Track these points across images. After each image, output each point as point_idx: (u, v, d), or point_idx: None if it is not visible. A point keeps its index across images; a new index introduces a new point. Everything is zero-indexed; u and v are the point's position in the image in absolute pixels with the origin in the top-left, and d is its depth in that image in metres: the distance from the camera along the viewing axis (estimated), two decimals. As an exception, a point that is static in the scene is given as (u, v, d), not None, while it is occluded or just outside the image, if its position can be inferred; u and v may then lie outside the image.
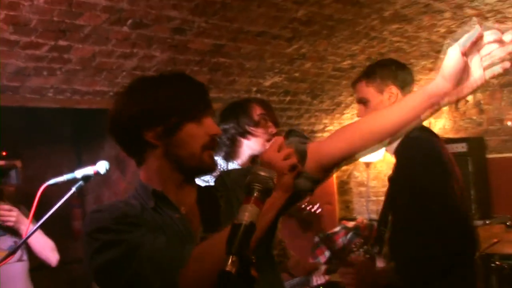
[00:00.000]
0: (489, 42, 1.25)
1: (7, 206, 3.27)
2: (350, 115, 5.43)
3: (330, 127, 5.47)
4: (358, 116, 2.47)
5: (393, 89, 2.39)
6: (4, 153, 3.56)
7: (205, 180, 1.98)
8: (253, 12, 3.39)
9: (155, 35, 3.33)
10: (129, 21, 3.14)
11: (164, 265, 1.36)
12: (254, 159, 2.49)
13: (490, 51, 1.25)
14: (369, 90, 2.43)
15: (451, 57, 1.27)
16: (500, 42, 1.25)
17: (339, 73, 4.65)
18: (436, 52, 4.93)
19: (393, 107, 1.55)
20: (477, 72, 1.29)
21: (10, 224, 3.28)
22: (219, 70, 3.92)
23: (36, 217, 2.74)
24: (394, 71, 2.44)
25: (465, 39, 1.25)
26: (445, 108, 5.95)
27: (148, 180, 1.54)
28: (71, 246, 4.84)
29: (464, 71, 1.30)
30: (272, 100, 4.42)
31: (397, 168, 2.23)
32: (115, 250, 1.37)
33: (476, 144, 5.19)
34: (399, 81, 2.41)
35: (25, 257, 3.72)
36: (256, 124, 2.47)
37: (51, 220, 2.45)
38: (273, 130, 2.49)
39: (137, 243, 1.37)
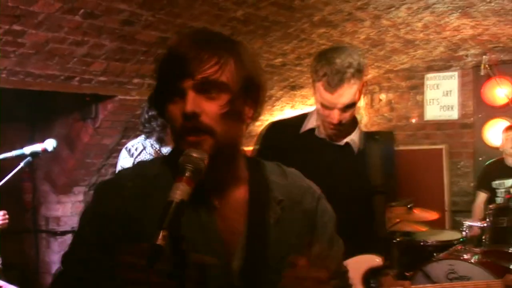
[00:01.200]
0: None
1: None
2: (279, 107, 5.46)
3: (262, 117, 5.48)
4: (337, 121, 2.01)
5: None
6: None
7: None
8: (196, 10, 3.33)
9: (105, 25, 3.21)
10: (81, 11, 3.02)
11: None
12: None
13: None
14: (356, 92, 1.98)
15: None
16: None
17: (271, 69, 4.66)
18: (356, 55, 5.01)
19: None
20: None
21: None
22: (164, 61, 3.84)
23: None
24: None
25: None
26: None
27: None
28: (22, 217, 4.68)
29: None
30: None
31: None
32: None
33: (387, 137, 5.32)
34: None
35: None
36: None
37: (3, 193, 2.35)
38: None
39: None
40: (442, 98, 5.74)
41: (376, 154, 2.11)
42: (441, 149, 5.62)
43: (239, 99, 1.15)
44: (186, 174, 1.02)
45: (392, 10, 4.05)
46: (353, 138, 2.11)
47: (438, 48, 5.35)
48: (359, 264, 1.96)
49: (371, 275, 2.01)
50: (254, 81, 1.18)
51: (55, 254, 4.65)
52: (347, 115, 2.00)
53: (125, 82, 3.85)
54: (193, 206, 1.06)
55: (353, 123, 2.12)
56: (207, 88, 1.12)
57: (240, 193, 1.21)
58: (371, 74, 5.79)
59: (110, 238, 1.13)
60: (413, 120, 5.85)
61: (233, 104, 1.13)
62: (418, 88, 5.84)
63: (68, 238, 4.59)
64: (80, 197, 4.69)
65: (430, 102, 5.80)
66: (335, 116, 1.98)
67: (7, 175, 2.83)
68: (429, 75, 5.77)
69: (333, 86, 1.93)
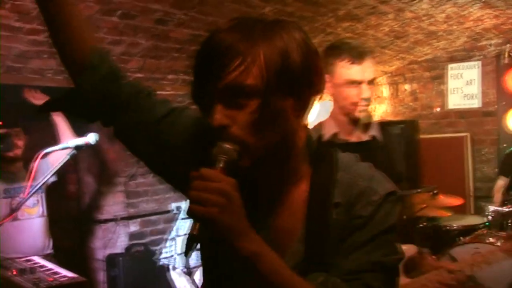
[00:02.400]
0: None
1: None
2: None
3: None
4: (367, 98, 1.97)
5: None
6: (0, 123, 3.47)
7: None
8: (226, 7, 3.32)
9: (141, 25, 3.24)
10: (118, 12, 3.05)
11: None
12: None
13: None
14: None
15: None
16: None
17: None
18: (381, 47, 4.94)
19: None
20: None
21: None
22: (196, 57, 3.86)
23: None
24: None
25: None
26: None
27: None
28: (67, 207, 4.79)
29: None
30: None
31: None
32: None
33: (411, 126, 5.24)
34: None
35: (45, 213, 3.69)
36: None
37: (51, 183, 2.39)
38: None
39: None
40: (465, 87, 5.62)
41: (397, 142, 2.07)
42: (464, 137, 5.51)
43: (275, 97, 0.99)
44: (220, 165, 0.99)
45: (415, 2, 3.97)
46: (376, 130, 2.08)
47: (460, 39, 5.23)
48: None
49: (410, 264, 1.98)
50: (294, 71, 1.00)
51: (98, 240, 4.74)
52: (372, 93, 1.98)
53: (160, 78, 3.88)
54: (245, 205, 0.97)
55: (370, 116, 2.10)
56: (232, 96, 0.99)
57: (299, 192, 1.09)
58: (395, 65, 5.70)
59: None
60: (437, 109, 5.75)
61: (266, 106, 0.99)
62: (441, 78, 5.73)
63: (111, 225, 4.67)
64: (121, 187, 4.76)
65: (453, 91, 5.68)
66: (364, 90, 1.94)
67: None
68: (452, 65, 5.65)
69: (359, 57, 1.91)
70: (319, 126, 2.10)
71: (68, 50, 1.17)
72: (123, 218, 4.74)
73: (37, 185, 2.60)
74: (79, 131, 3.53)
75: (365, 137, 2.06)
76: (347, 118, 2.03)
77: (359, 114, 2.01)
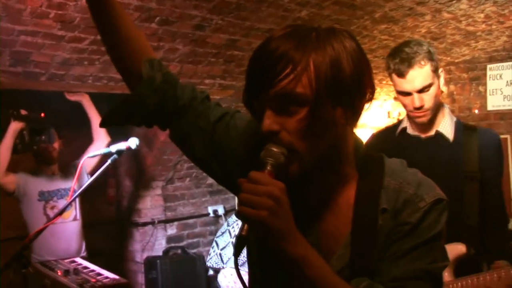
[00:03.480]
0: None
1: None
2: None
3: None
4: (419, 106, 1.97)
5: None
6: (42, 115, 3.55)
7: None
8: (262, 12, 3.33)
9: (179, 30, 3.28)
10: (157, 18, 3.10)
11: None
12: None
13: None
14: (430, 74, 1.95)
15: None
16: None
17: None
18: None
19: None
20: None
21: None
22: (233, 62, 3.88)
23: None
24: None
25: None
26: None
27: None
28: (107, 210, 4.88)
29: None
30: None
31: None
32: None
33: (490, 132, 5.11)
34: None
35: (78, 216, 3.77)
36: None
37: (91, 187, 2.45)
38: None
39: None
40: (505, 88, 5.47)
41: (473, 143, 2.02)
42: (504, 139, 5.36)
43: (325, 106, 1.00)
44: (268, 168, 1.00)
45: (453, 2, 3.89)
46: (444, 126, 2.07)
47: (500, 38, 5.10)
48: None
49: (459, 264, 1.93)
50: (344, 81, 1.01)
51: (137, 243, 4.82)
52: (427, 98, 1.98)
53: (197, 83, 3.92)
54: (293, 209, 0.98)
55: (441, 112, 2.08)
56: (282, 103, 1.00)
57: (346, 197, 1.09)
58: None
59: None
60: (476, 111, 5.62)
61: (315, 115, 1.00)
62: (479, 79, 5.59)
63: (149, 228, 4.74)
64: (158, 191, 4.83)
65: (492, 92, 5.54)
66: (415, 100, 1.98)
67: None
68: (491, 66, 5.51)
69: (403, 70, 1.94)
70: (402, 120, 2.21)
71: (123, 61, 1.21)
72: (161, 222, 4.80)
73: (80, 189, 2.65)
74: (115, 132, 3.62)
75: (430, 132, 2.08)
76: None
77: (418, 120, 2.05)
